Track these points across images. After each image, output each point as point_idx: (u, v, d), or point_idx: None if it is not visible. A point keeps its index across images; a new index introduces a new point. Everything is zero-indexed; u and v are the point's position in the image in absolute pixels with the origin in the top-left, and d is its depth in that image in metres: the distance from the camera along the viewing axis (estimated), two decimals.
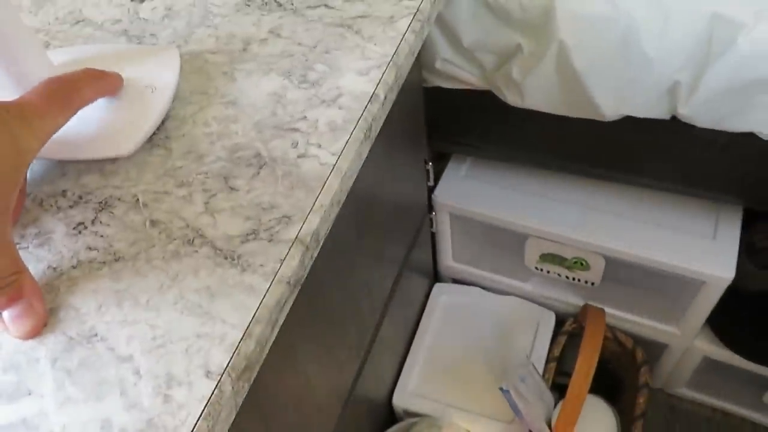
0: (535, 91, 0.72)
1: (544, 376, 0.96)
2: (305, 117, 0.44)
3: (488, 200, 0.94)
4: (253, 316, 0.34)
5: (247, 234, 0.38)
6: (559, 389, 0.95)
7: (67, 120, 0.37)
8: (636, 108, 0.69)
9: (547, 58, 0.68)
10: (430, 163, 0.88)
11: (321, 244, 0.40)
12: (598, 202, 0.91)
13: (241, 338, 0.34)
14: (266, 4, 0.53)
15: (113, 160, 0.43)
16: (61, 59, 0.45)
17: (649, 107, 0.69)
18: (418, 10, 0.51)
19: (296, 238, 0.37)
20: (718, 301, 0.88)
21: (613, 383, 1.05)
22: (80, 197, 0.41)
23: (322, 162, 0.41)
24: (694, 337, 0.97)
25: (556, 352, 1.01)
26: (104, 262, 0.38)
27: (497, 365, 0.98)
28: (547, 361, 0.98)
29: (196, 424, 0.31)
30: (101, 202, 0.41)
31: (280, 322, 0.37)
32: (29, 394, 0.33)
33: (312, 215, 0.38)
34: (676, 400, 1.15)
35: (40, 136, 0.35)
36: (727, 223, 0.88)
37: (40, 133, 0.35)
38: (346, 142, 0.42)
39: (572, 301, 1.03)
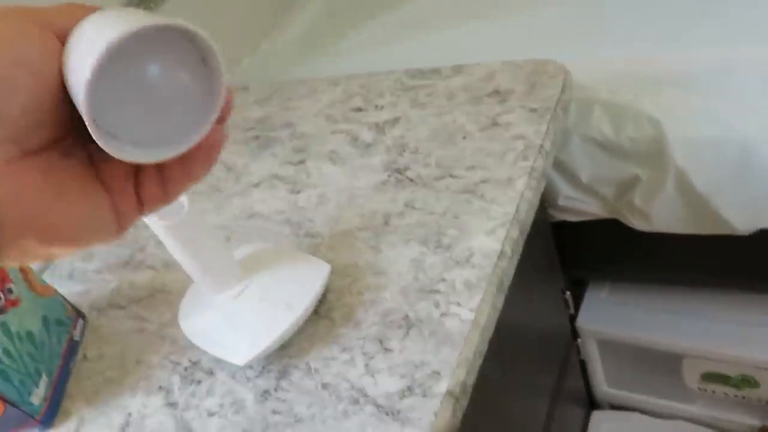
0: (661, 215, 0.75)
1: None
2: (443, 279, 0.50)
3: (632, 322, 0.93)
4: None
5: (404, 390, 0.43)
6: None
7: None
8: None
9: (667, 184, 0.71)
10: (568, 292, 0.91)
11: (470, 393, 0.45)
12: (751, 315, 0.87)
13: None
14: (400, 181, 0.62)
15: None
16: (240, 256, 0.56)
17: None
18: (532, 168, 0.57)
19: (446, 391, 0.42)
20: None
21: None
22: (263, 368, 0.50)
23: (463, 318, 0.47)
24: None
25: None
26: (287, 425, 0.45)
27: None
28: None
29: None
30: (280, 371, 0.49)
31: None
32: None
33: (459, 369, 0.43)
34: None
35: None
36: None
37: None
38: (482, 299, 0.47)
39: (748, 422, 0.95)
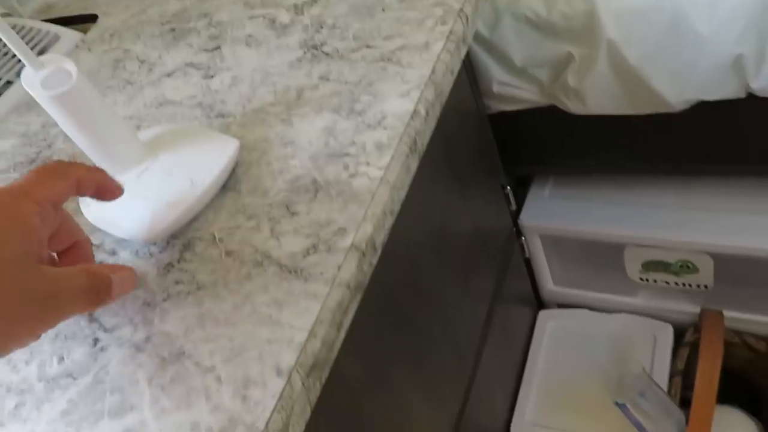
0: (595, 95, 0.73)
1: (670, 391, 0.90)
2: (354, 142, 0.48)
3: (576, 215, 0.93)
4: (316, 318, 0.37)
5: (308, 249, 0.41)
6: (686, 404, 0.89)
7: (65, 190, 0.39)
8: (703, 90, 0.67)
9: (599, 59, 0.69)
10: (509, 188, 0.89)
11: (379, 251, 0.43)
12: (690, 199, 0.87)
13: (307, 338, 0.36)
14: (315, 57, 0.59)
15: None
16: (146, 137, 0.53)
17: (716, 87, 0.67)
18: (450, 32, 0.54)
19: (351, 245, 0.40)
20: None
21: (753, 394, 0.97)
22: (167, 243, 0.47)
23: (371, 177, 0.44)
24: None
25: (680, 365, 0.95)
26: (189, 292, 0.42)
27: (616, 386, 0.94)
28: (672, 376, 0.93)
29: (270, 417, 0.34)
30: (184, 244, 0.46)
31: (346, 324, 0.39)
32: (132, 409, 0.37)
33: (365, 224, 0.41)
34: None
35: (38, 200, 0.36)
36: None
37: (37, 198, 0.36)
38: (392, 157, 0.45)
39: (689, 309, 0.97)
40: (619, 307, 1.02)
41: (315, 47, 0.60)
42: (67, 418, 0.39)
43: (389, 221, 0.44)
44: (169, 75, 0.67)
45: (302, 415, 0.36)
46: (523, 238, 0.97)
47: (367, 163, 0.45)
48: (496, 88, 0.79)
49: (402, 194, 0.46)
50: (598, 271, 1.02)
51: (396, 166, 0.45)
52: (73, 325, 0.44)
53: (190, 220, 0.48)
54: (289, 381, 0.35)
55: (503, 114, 0.83)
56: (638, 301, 1.00)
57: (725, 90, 0.67)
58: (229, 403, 0.35)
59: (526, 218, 0.95)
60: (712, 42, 0.63)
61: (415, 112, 0.48)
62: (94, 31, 0.83)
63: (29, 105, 0.72)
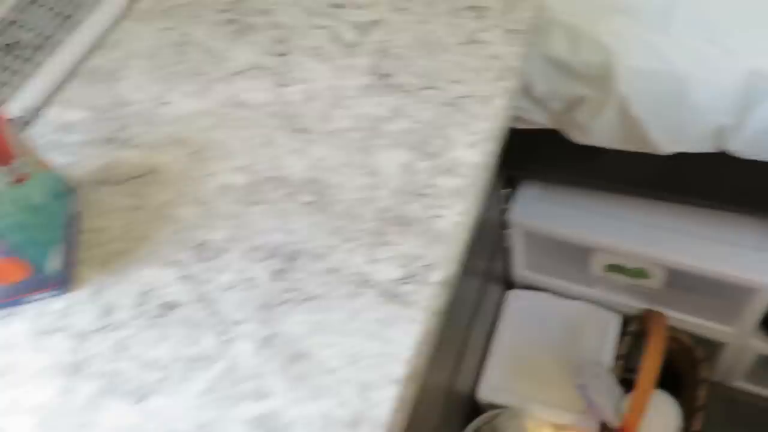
0: (598, 132, 0.85)
1: (612, 373, 1.08)
2: (431, 184, 0.58)
3: (558, 218, 1.07)
4: (421, 339, 0.49)
5: (404, 278, 0.52)
6: (625, 384, 1.07)
7: None
8: (688, 145, 0.81)
9: (608, 105, 0.81)
10: (504, 190, 1.02)
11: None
12: (658, 219, 1.03)
13: (413, 354, 0.48)
14: (386, 87, 0.67)
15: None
16: None
17: (699, 145, 0.80)
18: (509, 89, 0.64)
19: (442, 281, 0.51)
20: None
21: (675, 379, 1.16)
22: (273, 252, 0.57)
23: (452, 221, 0.55)
24: (748, 336, 1.08)
25: (623, 350, 1.13)
26: (302, 300, 0.53)
27: (569, 362, 1.11)
28: (616, 360, 1.10)
29: (389, 416, 0.45)
30: (288, 256, 0.56)
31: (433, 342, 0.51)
32: (267, 396, 0.48)
33: (451, 264, 0.53)
34: (735, 392, 1.25)
35: None
36: None
37: None
38: (468, 206, 0.56)
39: (635, 304, 1.14)
40: (578, 295, 1.18)
41: (384, 76, 0.69)
42: (208, 397, 0.49)
43: (463, 257, 0.55)
44: (238, 74, 0.74)
45: (405, 414, 0.48)
46: (508, 230, 1.11)
47: (445, 207, 0.56)
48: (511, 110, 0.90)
49: (472, 233, 0.57)
50: (564, 263, 1.18)
51: (471, 211, 0.56)
52: (197, 313, 0.54)
53: (289, 233, 0.57)
54: (402, 388, 0.47)
55: (511, 128, 0.94)
56: (594, 292, 1.17)
57: (705, 147, 0.81)
58: (353, 401, 0.47)
59: (514, 215, 1.08)
60: (703, 110, 0.76)
61: (483, 164, 0.59)
62: (145, 1, 0.86)
63: None
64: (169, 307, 0.56)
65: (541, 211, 1.08)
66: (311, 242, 0.57)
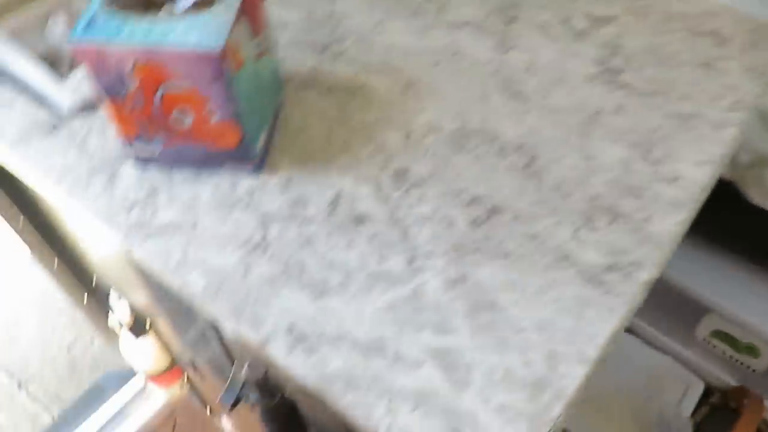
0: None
1: None
2: (648, 188, 0.57)
3: (681, 267, 1.04)
4: (616, 329, 0.48)
5: (609, 266, 0.51)
6: None
7: None
8: None
9: None
10: None
11: None
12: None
13: (606, 342, 0.47)
14: (611, 82, 0.66)
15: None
16: None
17: None
18: (742, 122, 0.62)
19: (646, 281, 0.50)
20: None
21: None
22: (473, 199, 0.56)
23: (666, 228, 0.54)
24: None
25: (697, 418, 1.10)
26: (498, 255, 0.52)
27: (640, 411, 1.08)
28: (693, 427, 1.07)
29: (572, 393, 0.45)
30: (490, 209, 0.56)
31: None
32: (451, 333, 0.48)
33: (657, 268, 0.51)
34: None
35: None
36: None
37: None
38: (685, 218, 0.55)
39: (726, 379, 1.11)
40: (669, 350, 1.15)
41: (611, 72, 0.68)
42: (388, 315, 0.50)
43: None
44: (459, 27, 0.74)
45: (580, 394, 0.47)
46: None
47: (660, 213, 0.55)
48: None
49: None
50: (670, 315, 1.15)
51: (685, 225, 0.55)
52: (389, 233, 0.54)
53: (494, 192, 0.57)
54: (589, 369, 0.46)
55: None
56: (689, 354, 1.14)
57: None
58: (539, 365, 0.46)
59: None
60: None
61: (706, 186, 0.57)
62: None
63: None
64: (360, 219, 0.56)
65: None
66: (516, 203, 0.56)
